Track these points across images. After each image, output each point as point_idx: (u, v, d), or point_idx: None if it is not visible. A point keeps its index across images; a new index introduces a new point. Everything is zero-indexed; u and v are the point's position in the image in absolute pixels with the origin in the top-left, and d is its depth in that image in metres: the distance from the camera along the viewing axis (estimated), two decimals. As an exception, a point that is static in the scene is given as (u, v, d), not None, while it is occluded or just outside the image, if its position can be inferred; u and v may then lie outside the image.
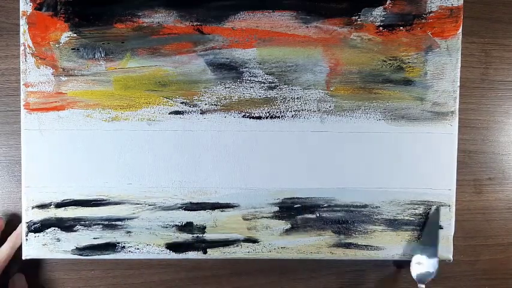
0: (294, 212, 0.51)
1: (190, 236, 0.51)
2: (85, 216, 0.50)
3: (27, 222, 0.50)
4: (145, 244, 0.51)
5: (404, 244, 0.52)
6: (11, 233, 0.52)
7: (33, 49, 0.49)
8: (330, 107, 0.51)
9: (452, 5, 0.50)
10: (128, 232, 0.51)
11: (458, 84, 0.51)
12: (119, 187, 0.50)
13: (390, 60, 0.50)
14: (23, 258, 0.51)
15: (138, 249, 0.51)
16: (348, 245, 0.52)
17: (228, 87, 0.50)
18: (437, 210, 0.51)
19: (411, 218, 0.51)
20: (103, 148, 0.50)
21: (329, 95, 0.51)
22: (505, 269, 0.57)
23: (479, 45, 0.55)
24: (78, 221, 0.50)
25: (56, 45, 0.49)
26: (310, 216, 0.51)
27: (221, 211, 0.51)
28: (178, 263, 0.55)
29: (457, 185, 0.51)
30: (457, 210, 0.52)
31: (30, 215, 0.50)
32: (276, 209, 0.51)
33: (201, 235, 0.51)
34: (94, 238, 0.51)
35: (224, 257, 0.51)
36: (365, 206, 0.51)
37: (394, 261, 0.56)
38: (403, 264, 0.56)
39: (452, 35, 0.50)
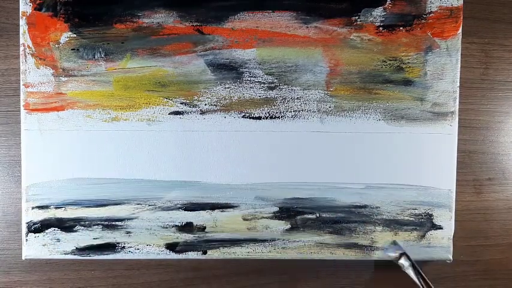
0: (293, 212, 0.51)
1: (191, 236, 0.51)
2: (85, 216, 0.50)
3: (27, 223, 0.50)
4: (145, 244, 0.51)
5: (404, 244, 0.52)
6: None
7: (33, 49, 0.49)
8: (329, 107, 0.51)
9: (452, 5, 0.50)
10: (128, 232, 0.51)
11: (458, 84, 0.51)
12: (119, 187, 0.50)
13: (390, 60, 0.50)
14: (23, 258, 0.51)
15: (138, 249, 0.51)
16: (348, 245, 0.52)
17: (228, 88, 0.50)
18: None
19: (411, 218, 0.51)
20: (103, 148, 0.50)
21: (329, 95, 0.51)
22: (505, 269, 0.57)
23: (479, 46, 0.55)
24: (78, 221, 0.51)
25: (56, 45, 0.49)
26: (310, 216, 0.51)
27: (221, 211, 0.51)
28: (178, 263, 0.55)
29: (457, 185, 0.51)
30: (457, 211, 0.52)
31: (30, 215, 0.50)
32: (276, 209, 0.51)
33: (201, 235, 0.51)
34: (94, 238, 0.51)
35: (224, 257, 0.51)
36: (365, 206, 0.51)
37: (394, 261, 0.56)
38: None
39: (452, 35, 0.50)
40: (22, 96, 0.49)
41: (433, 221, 0.51)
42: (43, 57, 0.49)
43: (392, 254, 0.51)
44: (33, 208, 0.50)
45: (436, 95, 0.51)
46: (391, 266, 0.56)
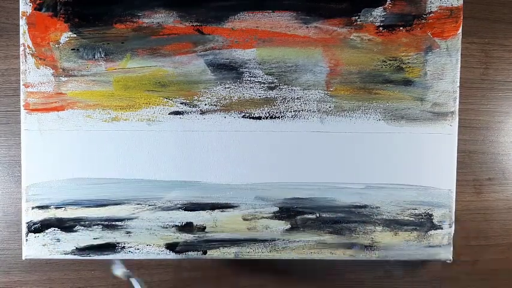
0: (293, 212, 0.51)
1: (191, 236, 0.51)
2: (85, 216, 0.50)
3: (27, 223, 0.50)
4: (145, 244, 0.51)
5: (404, 244, 0.52)
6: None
7: (33, 49, 0.49)
8: (329, 107, 0.51)
9: (452, 5, 0.50)
10: (128, 232, 0.51)
11: (458, 84, 0.51)
12: (119, 187, 0.50)
13: (390, 60, 0.50)
14: (23, 258, 0.51)
15: (138, 249, 0.51)
16: (348, 245, 0.52)
17: (228, 88, 0.50)
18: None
19: (411, 218, 0.51)
20: (103, 148, 0.50)
21: (329, 95, 0.51)
22: (505, 269, 0.57)
23: (479, 46, 0.55)
24: (78, 221, 0.51)
25: (56, 45, 0.49)
26: (310, 216, 0.51)
27: (221, 211, 0.51)
28: (178, 263, 0.55)
29: (457, 185, 0.51)
30: (457, 211, 0.52)
31: (30, 215, 0.50)
32: (276, 209, 0.51)
33: (201, 235, 0.51)
34: (94, 238, 0.51)
35: (224, 257, 0.51)
36: (365, 206, 0.51)
37: (394, 261, 0.56)
38: (403, 264, 0.56)
39: (452, 35, 0.50)
40: (22, 96, 0.49)
41: (433, 221, 0.51)
42: (43, 57, 0.49)
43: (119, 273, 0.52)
44: (33, 208, 0.50)
45: (436, 95, 0.51)
46: (391, 265, 0.56)
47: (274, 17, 0.50)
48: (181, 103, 0.50)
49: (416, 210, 0.51)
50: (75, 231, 0.51)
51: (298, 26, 0.50)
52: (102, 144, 0.50)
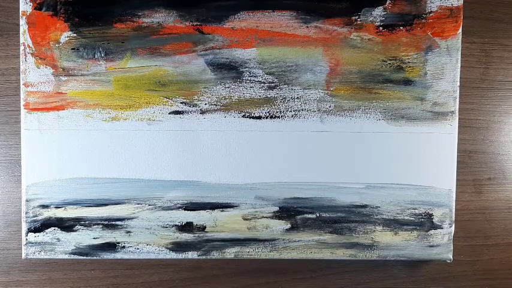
0: (293, 212, 0.51)
1: (191, 236, 0.51)
2: (85, 216, 0.50)
3: (27, 222, 0.50)
4: (145, 244, 0.51)
5: (404, 244, 0.52)
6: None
7: (33, 49, 0.49)
8: (330, 107, 0.51)
9: (452, 5, 0.50)
10: (128, 232, 0.51)
11: (458, 84, 0.51)
12: (119, 187, 0.50)
13: (390, 60, 0.50)
14: (23, 258, 0.51)
15: (138, 249, 0.51)
16: (348, 245, 0.52)
17: (228, 87, 0.50)
18: None
19: (411, 218, 0.51)
20: (103, 148, 0.50)
21: (329, 95, 0.51)
22: (505, 269, 0.57)
23: (479, 45, 0.55)
24: (78, 220, 0.51)
25: (56, 45, 0.49)
26: (310, 216, 0.51)
27: (221, 211, 0.51)
28: (178, 263, 0.55)
29: (457, 185, 0.51)
30: (457, 210, 0.52)
31: (30, 215, 0.50)
32: (276, 209, 0.51)
33: (201, 235, 0.51)
34: (94, 238, 0.51)
35: (224, 257, 0.51)
36: (365, 206, 0.51)
37: (394, 261, 0.56)
38: (403, 264, 0.56)
39: (452, 35, 0.50)
40: (22, 96, 0.49)
41: (433, 220, 0.51)
42: (43, 56, 0.49)
43: None
44: (33, 208, 0.50)
45: (436, 94, 0.51)
46: (391, 265, 0.56)
47: (274, 16, 0.50)
48: (181, 103, 0.50)
49: (416, 210, 0.51)
50: (75, 230, 0.50)
51: (298, 25, 0.50)
52: (102, 144, 0.50)
